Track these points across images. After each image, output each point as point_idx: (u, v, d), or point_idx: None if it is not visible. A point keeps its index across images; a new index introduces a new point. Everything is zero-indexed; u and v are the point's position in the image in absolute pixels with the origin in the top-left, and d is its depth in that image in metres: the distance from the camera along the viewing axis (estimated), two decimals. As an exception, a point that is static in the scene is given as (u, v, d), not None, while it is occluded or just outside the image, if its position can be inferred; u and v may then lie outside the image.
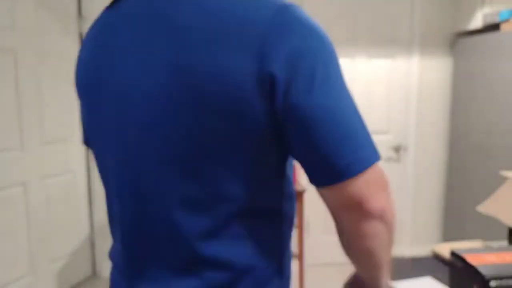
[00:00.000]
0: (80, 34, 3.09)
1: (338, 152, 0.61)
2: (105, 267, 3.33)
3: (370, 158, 0.62)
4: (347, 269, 3.44)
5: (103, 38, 0.70)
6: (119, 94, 0.67)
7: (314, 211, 3.50)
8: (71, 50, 3.01)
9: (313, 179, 0.65)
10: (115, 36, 0.68)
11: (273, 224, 0.70)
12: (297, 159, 0.65)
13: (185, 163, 0.63)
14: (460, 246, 1.45)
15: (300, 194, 2.81)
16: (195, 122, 0.61)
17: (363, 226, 0.65)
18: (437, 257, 1.42)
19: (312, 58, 0.60)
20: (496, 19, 2.85)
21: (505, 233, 2.68)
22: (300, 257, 2.88)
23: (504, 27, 2.81)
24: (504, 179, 2.68)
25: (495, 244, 1.49)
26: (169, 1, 0.64)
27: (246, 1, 0.62)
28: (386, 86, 3.43)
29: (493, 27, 2.99)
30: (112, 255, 0.80)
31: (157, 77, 0.62)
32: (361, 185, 0.62)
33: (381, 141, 3.49)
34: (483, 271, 0.77)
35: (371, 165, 0.62)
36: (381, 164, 3.50)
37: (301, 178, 3.40)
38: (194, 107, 0.60)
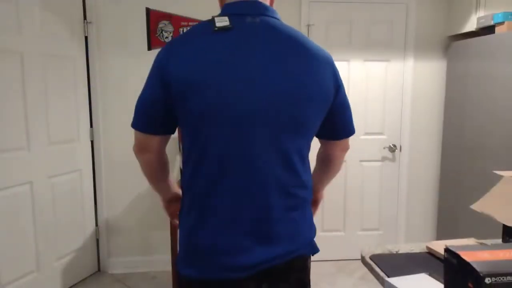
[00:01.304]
0: (86, 38, 3.12)
1: (349, 124, 1.28)
2: (110, 264, 3.38)
3: (354, 127, 1.30)
4: (343, 265, 3.51)
5: (227, 50, 1.05)
6: (264, 90, 1.05)
7: (311, 208, 3.55)
8: (77, 53, 3.04)
9: (333, 137, 1.29)
10: (244, 50, 1.05)
11: (308, 162, 1.22)
12: (326, 128, 1.22)
13: (301, 130, 1.11)
14: (454, 243, 1.49)
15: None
16: (309, 109, 1.10)
17: (343, 155, 1.37)
18: (431, 254, 1.47)
19: (341, 79, 1.22)
20: (490, 22, 2.89)
21: (497, 231, 2.74)
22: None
23: (498, 30, 2.86)
24: (497, 178, 2.74)
25: (488, 242, 1.54)
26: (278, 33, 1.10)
27: (315, 43, 1.16)
28: (381, 89, 3.49)
29: (487, 30, 3.04)
30: (219, 209, 1.10)
31: (292, 83, 1.07)
32: (349, 139, 1.32)
33: (377, 141, 3.54)
34: (478, 267, 0.77)
35: None
36: (376, 164, 3.58)
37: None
38: (310, 100, 1.09)
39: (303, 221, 1.18)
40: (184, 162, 1.16)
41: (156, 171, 1.27)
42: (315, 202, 1.49)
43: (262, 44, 1.07)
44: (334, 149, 1.33)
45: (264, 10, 1.12)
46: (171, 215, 1.46)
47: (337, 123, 1.24)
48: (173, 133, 1.20)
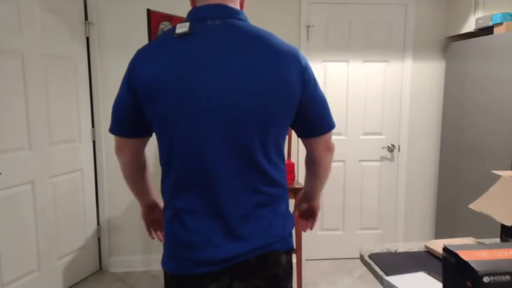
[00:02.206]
0: (87, 39, 3.13)
1: (326, 118, 1.26)
2: (111, 262, 3.39)
3: (333, 122, 1.29)
4: (342, 263, 3.53)
5: (186, 54, 1.09)
6: (223, 89, 1.08)
7: (311, 208, 3.57)
8: (78, 54, 3.05)
9: (311, 134, 1.28)
10: (203, 52, 1.09)
11: (283, 161, 1.25)
12: (301, 124, 1.25)
13: (264, 128, 1.12)
14: (452, 242, 1.50)
15: (298, 192, 2.87)
16: (271, 105, 1.11)
17: (328, 155, 1.34)
18: (430, 253, 1.48)
19: (312, 74, 1.22)
20: (489, 23, 2.90)
21: (496, 230, 2.76)
22: (298, 251, 2.95)
23: (496, 31, 2.87)
24: (495, 178, 2.75)
25: (487, 241, 1.56)
26: (240, 33, 1.12)
27: (281, 40, 1.17)
28: (380, 89, 3.51)
29: (485, 31, 3.05)
30: (186, 206, 1.14)
31: (252, 81, 1.08)
32: (330, 134, 1.30)
33: (375, 141, 3.56)
34: (477, 266, 0.77)
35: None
36: (375, 163, 3.60)
37: (300, 177, 3.46)
38: (271, 97, 1.10)
39: (275, 217, 1.20)
40: (160, 162, 1.22)
41: (132, 172, 1.33)
42: (312, 213, 1.52)
43: (221, 45, 1.10)
44: (316, 148, 1.32)
45: (227, 13, 1.15)
46: (149, 224, 1.50)
47: (312, 118, 1.24)
48: (149, 135, 1.26)
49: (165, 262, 1.19)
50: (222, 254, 1.13)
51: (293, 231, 3.18)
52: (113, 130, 1.24)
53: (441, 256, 1.31)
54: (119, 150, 1.28)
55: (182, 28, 1.12)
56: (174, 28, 1.14)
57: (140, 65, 1.13)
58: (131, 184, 1.37)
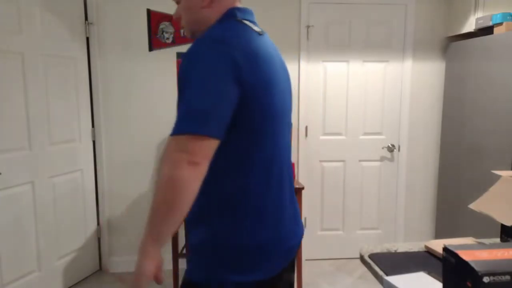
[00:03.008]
0: (87, 39, 3.14)
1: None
2: (111, 263, 3.39)
3: None
4: (342, 263, 3.53)
5: (271, 52, 1.15)
6: (282, 88, 1.17)
7: (311, 208, 3.57)
8: (78, 54, 3.05)
9: None
10: (270, 53, 1.14)
11: None
12: None
13: (291, 124, 1.27)
14: (452, 242, 1.51)
15: (298, 192, 2.87)
16: (292, 105, 1.43)
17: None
18: (430, 253, 1.48)
19: None
20: (489, 23, 2.90)
21: (496, 230, 2.76)
22: (298, 251, 2.95)
23: (496, 31, 2.87)
24: (495, 178, 2.75)
25: (487, 241, 1.56)
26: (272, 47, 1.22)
27: None
28: (380, 89, 3.51)
29: (485, 31, 3.05)
30: (275, 203, 1.16)
31: (286, 83, 1.23)
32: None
33: (375, 141, 3.56)
34: (477, 267, 0.77)
35: None
36: (375, 164, 3.60)
37: (300, 177, 3.46)
38: (291, 97, 1.26)
39: None
40: (231, 164, 1.07)
41: (196, 191, 0.97)
42: None
43: (274, 48, 1.21)
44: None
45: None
46: (152, 277, 1.02)
47: None
48: None
49: (245, 274, 1.07)
50: (296, 239, 1.21)
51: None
52: (213, 131, 0.95)
53: (441, 256, 1.31)
54: (203, 158, 0.95)
55: (256, 27, 1.16)
56: (242, 25, 1.10)
57: (248, 58, 1.02)
58: (186, 209, 0.96)
